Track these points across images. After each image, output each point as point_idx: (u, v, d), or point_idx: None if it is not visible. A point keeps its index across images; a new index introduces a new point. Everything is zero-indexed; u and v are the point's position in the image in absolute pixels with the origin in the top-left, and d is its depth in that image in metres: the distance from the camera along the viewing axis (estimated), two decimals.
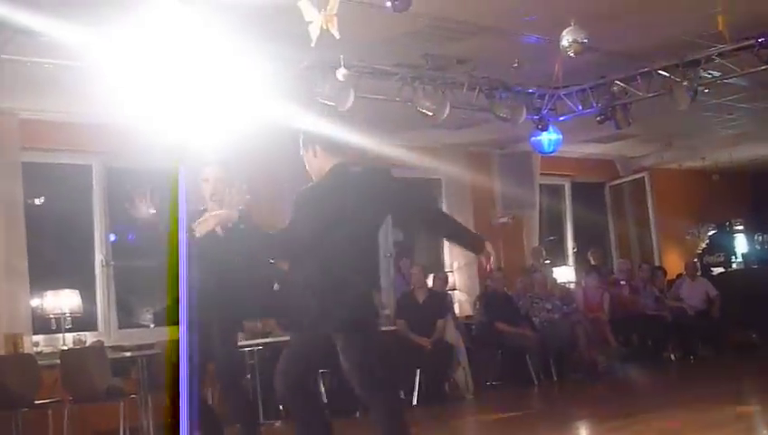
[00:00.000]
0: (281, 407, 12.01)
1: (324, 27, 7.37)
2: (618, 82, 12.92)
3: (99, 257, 12.17)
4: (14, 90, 10.61)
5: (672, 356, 15.88)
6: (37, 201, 12.31)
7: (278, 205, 13.26)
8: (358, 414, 11.04)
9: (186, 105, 10.15)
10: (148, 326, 12.86)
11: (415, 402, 12.28)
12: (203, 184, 6.85)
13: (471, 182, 15.86)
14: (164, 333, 10.12)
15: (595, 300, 15.54)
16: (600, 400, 12.21)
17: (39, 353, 11.12)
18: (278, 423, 11.43)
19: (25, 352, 10.92)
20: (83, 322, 11.80)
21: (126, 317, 12.50)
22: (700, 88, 12.46)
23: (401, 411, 5.72)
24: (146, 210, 6.80)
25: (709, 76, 12.53)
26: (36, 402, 10.20)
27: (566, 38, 10.32)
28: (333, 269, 5.52)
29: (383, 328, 12.78)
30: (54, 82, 10.31)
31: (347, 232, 5.53)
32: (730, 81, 12.78)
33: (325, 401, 11.95)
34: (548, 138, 14.01)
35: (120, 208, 12.16)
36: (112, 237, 12.49)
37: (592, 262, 17.23)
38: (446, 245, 15.79)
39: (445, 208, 15.81)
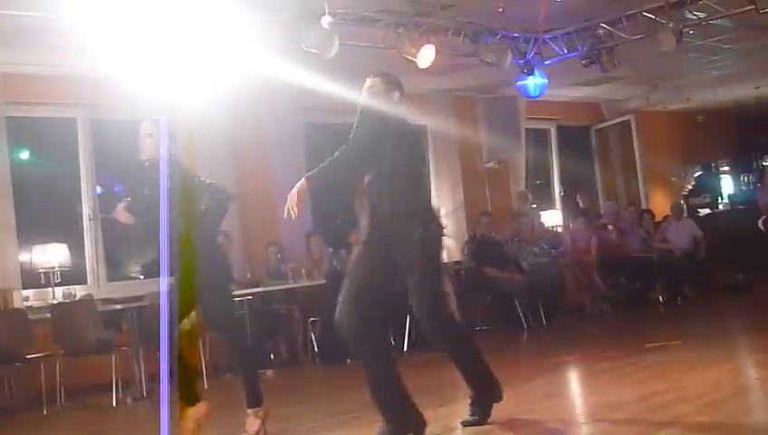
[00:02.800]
0: (271, 356, 12.12)
1: None
2: (603, 25, 12.89)
3: (86, 210, 12.15)
4: None
5: (660, 298, 15.93)
6: (22, 155, 12.28)
7: (265, 155, 13.31)
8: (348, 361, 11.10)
9: (168, 56, 10.12)
10: (137, 278, 12.86)
11: (405, 349, 12.32)
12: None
13: (457, 128, 15.83)
14: (153, 285, 10.15)
15: (582, 243, 15.59)
16: (590, 342, 12.28)
17: (29, 308, 11.15)
18: (269, 372, 11.47)
19: (15, 306, 10.94)
20: (72, 275, 11.81)
21: (114, 270, 12.50)
22: (685, 29, 12.44)
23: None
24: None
25: (694, 17, 12.51)
26: (28, 357, 10.22)
27: None
28: None
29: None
30: (36, 35, 10.24)
31: None
32: (715, 22, 12.77)
33: (316, 349, 12.09)
34: (534, 82, 14.00)
35: (106, 161, 12.26)
36: (99, 190, 12.46)
37: (581, 205, 17.26)
38: (434, 190, 15.81)
39: (431, 155, 15.85)
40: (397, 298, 6.56)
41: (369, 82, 6.32)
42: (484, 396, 6.42)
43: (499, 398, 6.41)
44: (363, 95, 6.27)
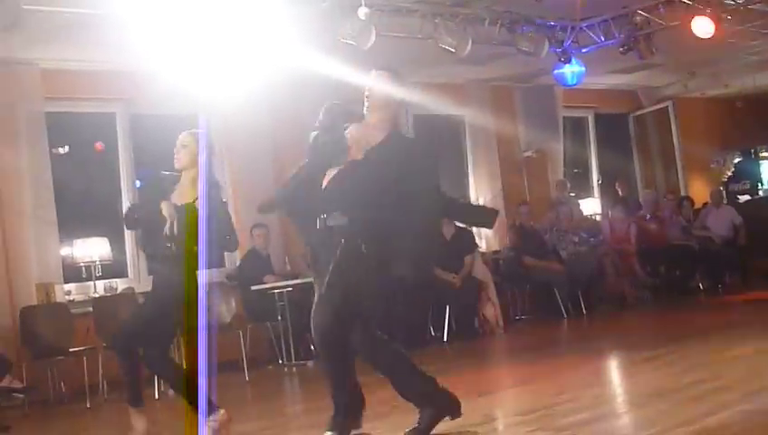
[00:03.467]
0: (311, 347, 12.14)
1: None
2: (640, 12, 12.82)
3: (126, 204, 12.21)
4: (35, 40, 10.60)
5: (700, 286, 15.89)
6: (62, 150, 12.35)
7: (304, 148, 13.26)
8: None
9: (207, 50, 10.18)
10: None
11: (445, 339, 12.34)
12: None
13: (494, 117, 15.79)
14: None
15: (621, 231, 15.53)
16: (630, 331, 12.25)
17: (71, 302, 11.24)
18: (310, 363, 11.50)
19: (58, 301, 11.03)
20: (113, 269, 11.87)
21: None
22: (723, 15, 12.36)
23: None
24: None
25: (732, 3, 12.44)
26: (71, 350, 10.33)
27: None
28: None
29: None
30: (75, 31, 10.31)
31: None
32: (753, 6, 12.66)
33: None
34: (571, 70, 13.94)
35: (145, 155, 12.32)
36: (138, 184, 12.53)
37: (620, 193, 17.23)
38: (472, 180, 15.81)
39: (468, 145, 15.86)
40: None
41: (375, 74, 6.11)
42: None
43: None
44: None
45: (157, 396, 9.99)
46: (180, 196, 6.85)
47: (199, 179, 6.63)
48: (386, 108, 5.90)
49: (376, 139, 5.81)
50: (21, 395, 10.03)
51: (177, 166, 6.92)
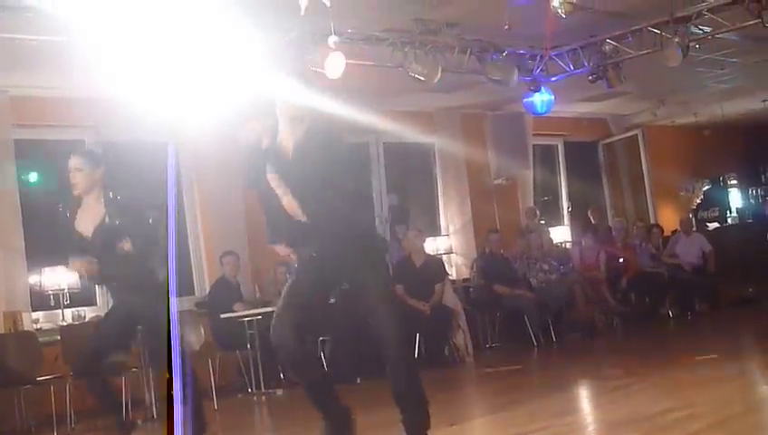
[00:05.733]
0: (281, 375, 12.08)
1: None
2: (609, 41, 12.92)
3: None
4: (4, 67, 10.56)
5: (669, 313, 15.94)
6: (31, 178, 12.28)
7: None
8: (359, 380, 11.08)
9: (175, 77, 10.15)
10: None
11: None
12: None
13: (464, 145, 15.84)
14: None
15: (591, 259, 15.57)
16: (600, 358, 12.25)
17: (39, 330, 11.16)
18: (280, 392, 11.44)
19: (25, 329, 10.95)
20: (82, 297, 11.79)
21: None
22: (691, 44, 12.43)
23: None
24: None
25: (700, 32, 12.52)
26: (38, 379, 10.23)
27: None
28: None
29: None
30: (43, 58, 10.25)
31: None
32: (721, 36, 12.74)
33: (326, 368, 12.03)
34: (540, 98, 14.01)
35: (114, 182, 12.25)
36: None
37: (593, 220, 17.29)
38: (442, 208, 15.84)
39: (438, 172, 15.90)
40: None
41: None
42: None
43: None
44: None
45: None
46: (91, 220, 6.92)
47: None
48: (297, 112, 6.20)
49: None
50: None
51: (75, 192, 6.98)
